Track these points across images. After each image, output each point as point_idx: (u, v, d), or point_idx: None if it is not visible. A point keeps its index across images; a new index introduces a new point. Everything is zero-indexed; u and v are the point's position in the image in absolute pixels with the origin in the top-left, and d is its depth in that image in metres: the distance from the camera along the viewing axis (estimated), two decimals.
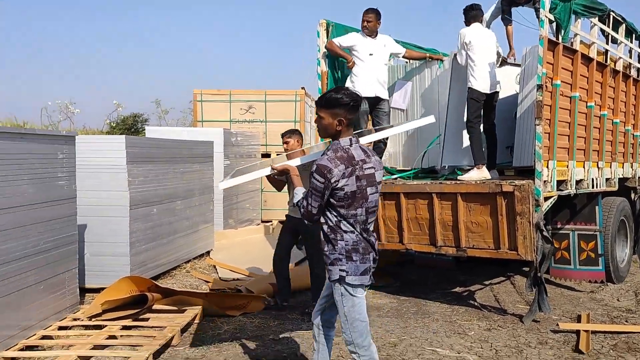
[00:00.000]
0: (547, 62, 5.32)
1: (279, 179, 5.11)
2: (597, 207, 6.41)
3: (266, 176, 4.96)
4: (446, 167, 6.32)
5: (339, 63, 6.58)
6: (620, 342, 4.61)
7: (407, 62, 6.94)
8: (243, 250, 8.06)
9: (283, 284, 5.49)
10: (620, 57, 6.99)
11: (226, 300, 5.41)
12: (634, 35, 7.35)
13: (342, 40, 6.25)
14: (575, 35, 5.97)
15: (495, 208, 5.06)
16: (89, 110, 31.41)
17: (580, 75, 5.92)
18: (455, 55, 6.05)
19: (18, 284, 4.18)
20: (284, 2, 54.03)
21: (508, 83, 6.56)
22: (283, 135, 5.40)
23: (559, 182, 5.69)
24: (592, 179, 6.31)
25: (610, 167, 6.85)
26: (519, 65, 6.51)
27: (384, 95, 6.28)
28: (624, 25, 6.93)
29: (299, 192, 3.10)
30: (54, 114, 15.49)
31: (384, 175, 6.28)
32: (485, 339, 4.67)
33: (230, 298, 5.52)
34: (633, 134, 7.48)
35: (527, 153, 5.92)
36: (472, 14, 5.89)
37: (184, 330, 4.72)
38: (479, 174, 5.62)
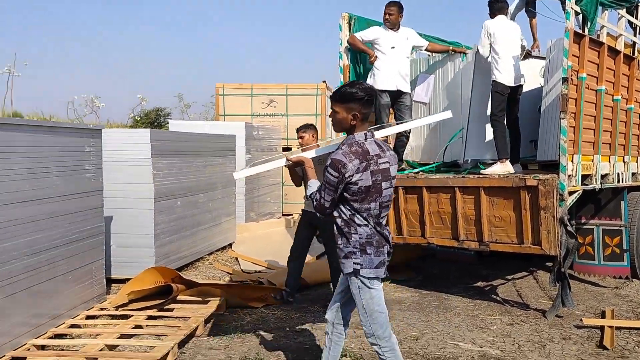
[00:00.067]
0: (573, 55, 5.25)
1: (294, 169, 5.10)
2: (622, 202, 6.31)
3: (289, 171, 5.03)
4: (469, 161, 6.28)
5: (361, 56, 6.57)
6: None
7: (429, 55, 6.90)
8: (264, 243, 8.13)
9: (293, 281, 5.46)
10: None
11: (246, 292, 5.47)
12: None
13: (364, 34, 6.24)
14: (602, 27, 5.88)
15: (518, 202, 5.03)
16: (112, 105, 31.88)
17: (607, 68, 5.83)
18: (478, 47, 6.00)
19: (48, 273, 4.28)
20: None
21: (532, 76, 6.49)
22: (298, 130, 5.40)
23: (584, 177, 5.62)
24: (618, 174, 6.22)
25: (637, 162, 6.74)
26: (543, 58, 6.43)
27: (406, 88, 6.26)
28: None
29: (313, 184, 3.12)
30: (79, 108, 15.77)
31: (406, 169, 6.30)
32: (507, 334, 4.65)
33: (250, 290, 5.58)
34: None
35: (551, 147, 5.86)
36: (497, 6, 5.83)
37: (207, 321, 4.79)
38: (503, 168, 5.58)
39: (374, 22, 6.47)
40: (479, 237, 5.27)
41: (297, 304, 5.39)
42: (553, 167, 5.40)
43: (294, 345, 4.37)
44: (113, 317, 4.78)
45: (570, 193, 5.25)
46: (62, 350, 4.07)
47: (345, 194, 2.95)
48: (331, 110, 3.06)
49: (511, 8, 6.31)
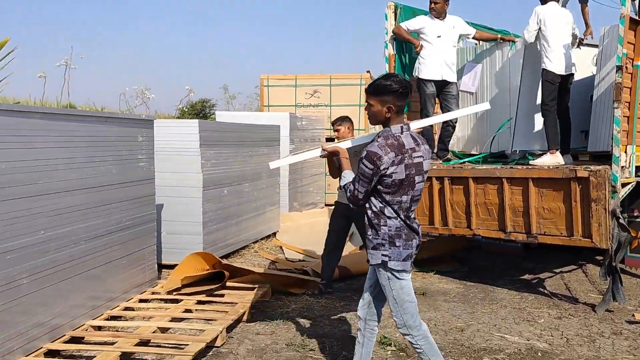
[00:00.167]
0: (628, 42, 5.08)
1: (333, 160, 5.09)
2: None
3: (327, 162, 5.03)
4: (517, 152, 6.17)
5: (406, 46, 6.53)
6: None
7: (476, 44, 6.80)
8: (307, 232, 8.21)
9: (329, 273, 5.48)
10: None
11: (283, 279, 5.54)
12: None
13: (409, 24, 6.20)
14: None
15: (568, 194, 4.92)
16: (160, 97, 32.68)
17: None
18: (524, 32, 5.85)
19: (103, 258, 4.47)
20: None
21: (584, 64, 6.31)
22: (333, 123, 5.37)
23: (638, 168, 5.45)
24: None
25: None
26: (596, 46, 6.24)
27: (452, 78, 6.19)
28: None
29: (347, 175, 3.14)
30: (130, 100, 16.21)
31: (451, 160, 6.25)
32: (555, 327, 4.58)
33: (286, 278, 5.63)
34: None
35: (603, 137, 5.70)
36: None
37: (253, 307, 4.90)
38: (553, 159, 5.46)
39: (420, 11, 6.42)
40: (526, 229, 5.19)
41: (341, 292, 5.45)
42: (605, 158, 5.25)
43: (338, 333, 4.43)
44: (164, 300, 4.96)
45: (623, 185, 5.10)
46: (117, 331, 4.25)
47: (379, 187, 2.96)
48: (366, 103, 3.07)
49: None
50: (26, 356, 3.61)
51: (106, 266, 4.50)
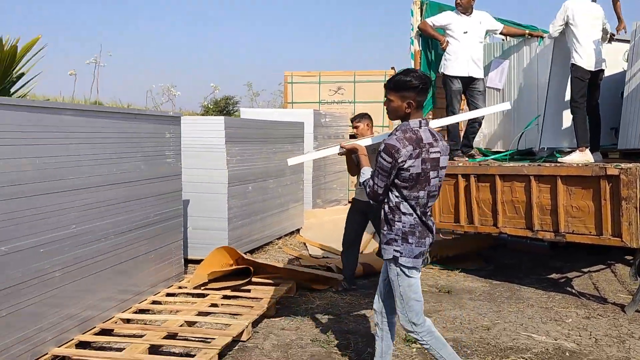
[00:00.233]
0: None
1: (352, 157, 5.06)
2: None
3: (346, 160, 5.01)
4: (545, 149, 6.08)
5: (432, 42, 6.49)
6: None
7: (504, 40, 6.71)
8: (330, 229, 8.20)
9: (350, 271, 5.48)
10: None
11: (307, 276, 5.54)
12: None
13: (435, 20, 6.15)
14: None
15: (598, 192, 4.83)
16: (185, 94, 33.07)
17: None
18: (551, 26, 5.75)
19: (132, 252, 4.55)
20: None
21: (614, 60, 6.18)
22: (352, 120, 5.34)
23: None
24: None
25: None
26: (627, 41, 6.10)
27: (479, 74, 6.13)
28: None
29: (366, 171, 3.15)
30: (157, 97, 16.43)
31: (476, 157, 6.19)
32: (584, 327, 4.51)
33: (307, 274, 5.64)
34: None
35: (634, 134, 5.58)
36: None
37: (278, 302, 4.93)
38: (582, 156, 5.37)
39: (446, 7, 6.37)
40: (554, 228, 5.11)
41: (365, 290, 5.45)
42: (635, 155, 5.16)
43: (362, 329, 4.43)
44: (191, 295, 5.02)
45: None
46: (145, 324, 4.32)
47: (397, 180, 2.96)
48: (385, 99, 3.07)
49: None
50: (58, 347, 3.70)
51: (134, 260, 4.58)
